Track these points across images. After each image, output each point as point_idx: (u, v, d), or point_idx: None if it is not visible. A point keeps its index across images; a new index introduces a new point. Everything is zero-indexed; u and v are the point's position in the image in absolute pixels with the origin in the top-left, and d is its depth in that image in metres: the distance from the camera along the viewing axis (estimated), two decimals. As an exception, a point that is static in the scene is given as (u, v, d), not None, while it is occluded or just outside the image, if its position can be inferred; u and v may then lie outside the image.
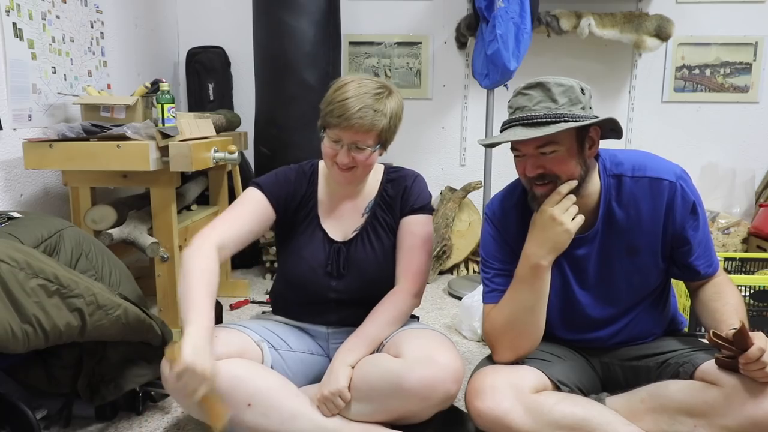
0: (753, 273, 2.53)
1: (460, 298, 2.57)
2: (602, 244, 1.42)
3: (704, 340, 1.46)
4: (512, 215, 1.48)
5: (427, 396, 1.33)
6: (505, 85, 2.68)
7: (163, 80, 2.10)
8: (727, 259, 2.56)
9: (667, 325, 1.54)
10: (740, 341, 1.20)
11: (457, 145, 3.52)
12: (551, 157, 1.30)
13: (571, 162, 1.31)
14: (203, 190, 2.75)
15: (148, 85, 2.22)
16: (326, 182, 1.63)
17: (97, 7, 2.62)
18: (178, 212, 2.33)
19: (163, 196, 2.12)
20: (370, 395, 1.38)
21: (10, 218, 1.63)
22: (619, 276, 1.43)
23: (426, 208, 1.61)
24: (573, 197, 1.32)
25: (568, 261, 1.44)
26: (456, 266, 3.29)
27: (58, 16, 2.33)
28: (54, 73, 2.32)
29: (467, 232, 3.30)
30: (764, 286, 2.16)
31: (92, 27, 2.59)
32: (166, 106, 2.05)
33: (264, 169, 2.81)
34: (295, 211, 1.61)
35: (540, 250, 1.32)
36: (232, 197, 2.70)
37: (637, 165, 1.40)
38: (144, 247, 2.06)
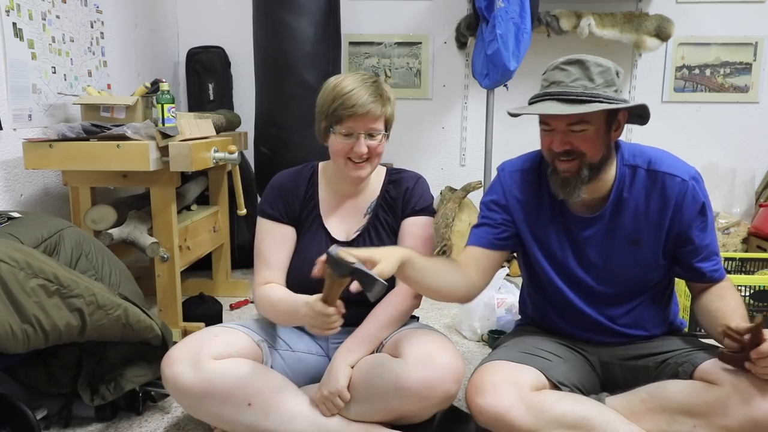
0: (753, 273, 2.53)
1: (460, 298, 2.56)
2: (606, 229, 1.43)
3: (704, 340, 1.46)
4: (524, 180, 1.51)
5: (427, 396, 1.33)
6: (505, 85, 2.68)
7: (163, 80, 2.10)
8: (727, 259, 2.55)
9: (667, 328, 1.54)
10: (754, 335, 1.20)
11: (457, 145, 3.52)
12: (580, 135, 1.33)
13: (597, 142, 1.34)
14: (203, 190, 2.75)
15: (148, 85, 2.22)
16: (328, 183, 1.63)
17: (97, 7, 2.62)
18: (178, 212, 2.33)
19: (163, 196, 2.12)
20: (370, 395, 1.38)
21: (10, 218, 1.63)
22: (617, 264, 1.44)
23: (427, 210, 1.61)
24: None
25: (569, 240, 1.46)
26: (456, 266, 3.28)
27: (58, 16, 2.33)
28: (54, 73, 2.32)
29: (467, 232, 3.25)
30: (764, 286, 2.16)
31: (92, 27, 2.59)
32: (166, 106, 2.05)
33: (264, 169, 2.81)
34: (299, 212, 1.61)
35: None
36: (232, 197, 2.69)
37: (654, 159, 1.42)
38: (144, 247, 2.06)
